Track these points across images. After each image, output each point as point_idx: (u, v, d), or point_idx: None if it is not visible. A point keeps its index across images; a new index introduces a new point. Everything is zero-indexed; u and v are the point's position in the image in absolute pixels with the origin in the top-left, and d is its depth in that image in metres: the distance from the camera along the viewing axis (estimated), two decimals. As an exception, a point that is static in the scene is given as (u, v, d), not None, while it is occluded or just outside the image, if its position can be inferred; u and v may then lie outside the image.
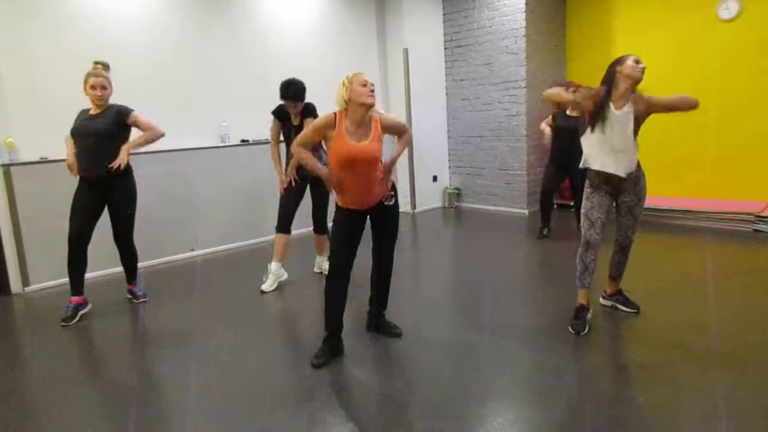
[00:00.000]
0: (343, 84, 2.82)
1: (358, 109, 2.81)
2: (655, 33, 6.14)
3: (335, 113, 2.83)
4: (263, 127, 5.85)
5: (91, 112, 3.81)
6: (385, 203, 3.06)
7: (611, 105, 3.06)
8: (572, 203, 5.87)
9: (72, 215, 3.79)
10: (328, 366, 2.95)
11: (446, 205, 7.59)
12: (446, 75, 7.42)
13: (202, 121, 5.52)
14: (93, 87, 3.71)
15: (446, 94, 7.47)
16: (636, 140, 3.14)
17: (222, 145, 5.64)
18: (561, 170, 5.51)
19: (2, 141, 4.41)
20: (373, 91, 2.81)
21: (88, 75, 3.74)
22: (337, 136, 2.80)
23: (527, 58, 6.50)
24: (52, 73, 4.60)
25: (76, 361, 3.30)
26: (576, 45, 6.95)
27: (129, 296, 4.21)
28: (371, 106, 2.82)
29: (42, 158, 4.53)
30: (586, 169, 3.28)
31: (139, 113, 3.88)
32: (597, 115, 3.07)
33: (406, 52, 6.93)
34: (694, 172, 6.06)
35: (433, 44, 7.26)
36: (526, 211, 6.78)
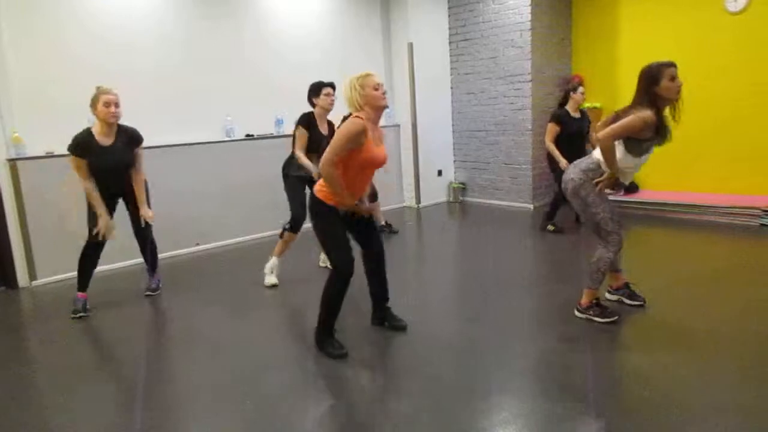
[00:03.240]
0: (354, 87, 2.85)
1: (374, 112, 2.91)
2: (661, 26, 6.10)
3: (362, 121, 2.80)
4: (268, 121, 5.90)
5: (101, 140, 3.67)
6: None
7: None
8: None
9: (92, 219, 3.75)
10: (334, 358, 2.95)
11: (451, 199, 7.58)
12: (451, 69, 7.39)
13: (207, 115, 5.53)
14: (107, 104, 3.59)
15: (451, 88, 7.44)
16: None
17: (227, 139, 5.65)
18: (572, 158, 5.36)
19: (9, 136, 4.44)
20: (385, 93, 2.91)
21: (100, 93, 3.61)
22: (368, 141, 2.84)
23: (533, 52, 6.46)
24: (58, 69, 4.62)
25: (83, 355, 3.32)
26: (582, 38, 6.90)
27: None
28: (385, 107, 2.93)
29: (48, 153, 4.55)
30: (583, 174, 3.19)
31: (141, 147, 3.91)
32: (662, 136, 3.00)
33: (410, 46, 6.90)
34: (700, 166, 6.02)
35: (438, 38, 7.23)
36: (531, 206, 6.76)
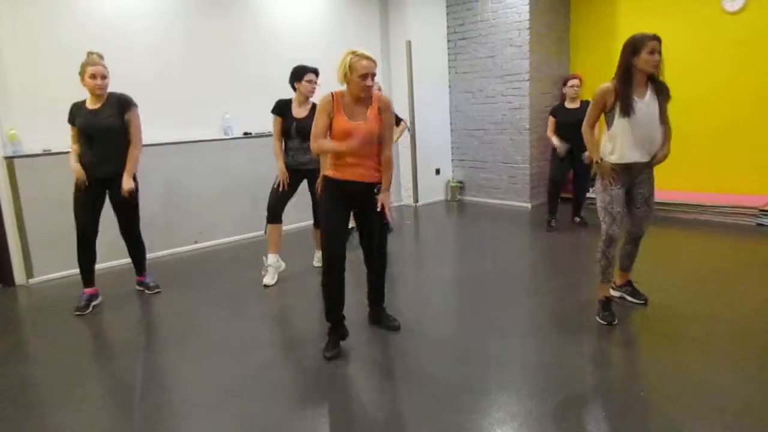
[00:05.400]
0: (344, 63, 2.82)
1: (355, 91, 2.87)
2: (659, 25, 6.07)
3: (332, 94, 2.90)
4: (266, 120, 5.87)
5: (89, 105, 3.70)
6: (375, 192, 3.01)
7: (634, 95, 3.04)
8: (572, 195, 5.84)
9: (76, 213, 3.77)
10: (324, 360, 2.95)
11: (449, 198, 7.59)
12: (449, 68, 7.39)
13: (205, 113, 5.51)
14: (93, 76, 3.59)
15: (449, 86, 7.44)
16: (665, 124, 3.16)
17: (225, 137, 5.64)
18: (568, 160, 5.48)
19: (5, 133, 4.42)
20: (370, 86, 2.83)
21: (86, 64, 3.62)
22: (335, 114, 2.89)
23: (531, 51, 6.46)
24: (54, 66, 4.59)
25: (80, 353, 3.31)
26: (580, 37, 6.91)
27: (139, 288, 4.21)
28: (368, 98, 2.90)
29: (45, 150, 4.54)
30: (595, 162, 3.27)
31: (136, 116, 3.80)
32: (624, 105, 3.04)
33: (409, 44, 6.90)
34: (697, 165, 6.03)
35: (436, 36, 7.22)
36: (528, 205, 6.77)
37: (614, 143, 3.14)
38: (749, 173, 5.74)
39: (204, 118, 5.51)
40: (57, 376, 2.95)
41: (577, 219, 5.72)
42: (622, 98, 3.03)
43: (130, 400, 2.66)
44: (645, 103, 3.06)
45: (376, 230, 3.10)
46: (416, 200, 7.29)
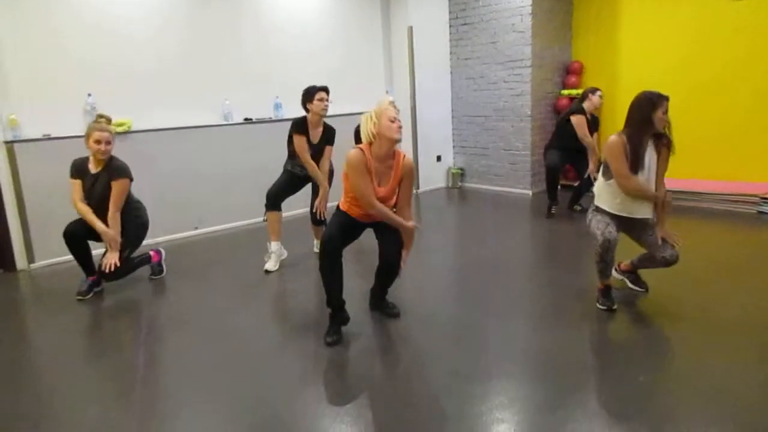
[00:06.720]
0: (370, 118, 2.93)
1: (385, 143, 2.92)
2: (662, 11, 6.04)
3: (362, 150, 2.92)
4: (266, 105, 5.87)
5: (92, 168, 3.73)
6: None
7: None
8: (576, 183, 5.83)
9: (77, 219, 3.81)
10: (325, 345, 2.96)
11: (450, 185, 7.58)
12: (451, 53, 7.34)
13: (205, 99, 5.49)
14: (98, 141, 3.61)
15: (451, 73, 7.39)
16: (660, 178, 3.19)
17: (225, 123, 5.62)
18: (567, 153, 5.47)
19: (5, 118, 4.41)
20: (401, 126, 2.94)
21: (92, 129, 3.64)
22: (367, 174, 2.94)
23: (533, 37, 6.41)
24: (54, 52, 4.57)
25: (80, 338, 3.33)
26: (582, 23, 6.84)
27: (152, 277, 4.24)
28: (398, 141, 2.96)
29: (45, 135, 4.53)
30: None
31: (121, 185, 3.71)
32: (634, 160, 3.04)
33: (410, 30, 6.85)
34: (698, 152, 6.01)
35: (438, 22, 7.17)
36: (529, 192, 6.76)
37: (613, 194, 3.17)
38: (750, 161, 5.72)
39: (204, 104, 5.49)
40: (56, 360, 2.97)
41: (578, 207, 5.71)
42: (633, 153, 3.02)
43: (130, 384, 2.67)
44: (646, 160, 3.09)
45: (395, 239, 3.09)
46: (417, 187, 7.28)
